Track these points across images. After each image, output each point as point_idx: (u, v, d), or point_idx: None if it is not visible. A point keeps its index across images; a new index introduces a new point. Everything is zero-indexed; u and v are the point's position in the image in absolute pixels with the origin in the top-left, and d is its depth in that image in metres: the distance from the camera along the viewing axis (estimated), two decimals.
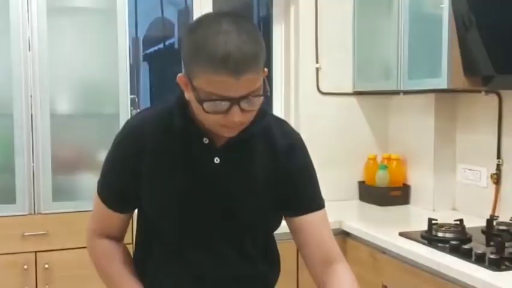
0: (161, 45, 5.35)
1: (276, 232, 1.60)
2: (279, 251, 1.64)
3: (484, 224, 2.55)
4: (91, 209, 1.58)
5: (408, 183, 3.34)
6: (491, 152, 2.83)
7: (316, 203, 1.52)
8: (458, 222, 2.53)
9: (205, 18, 1.31)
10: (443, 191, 3.12)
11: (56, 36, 2.86)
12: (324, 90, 3.43)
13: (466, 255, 2.19)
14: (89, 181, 2.72)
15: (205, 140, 1.42)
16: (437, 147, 3.10)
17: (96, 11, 3.01)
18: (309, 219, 1.50)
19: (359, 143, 3.48)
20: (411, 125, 3.30)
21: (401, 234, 2.55)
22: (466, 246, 2.24)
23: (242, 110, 1.28)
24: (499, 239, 2.25)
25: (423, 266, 2.29)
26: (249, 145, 1.46)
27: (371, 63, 3.35)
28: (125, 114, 2.91)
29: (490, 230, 2.50)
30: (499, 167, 2.81)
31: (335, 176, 3.38)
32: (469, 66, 2.59)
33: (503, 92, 2.77)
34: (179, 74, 1.34)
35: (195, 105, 1.32)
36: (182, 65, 1.32)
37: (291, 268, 2.74)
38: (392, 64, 3.04)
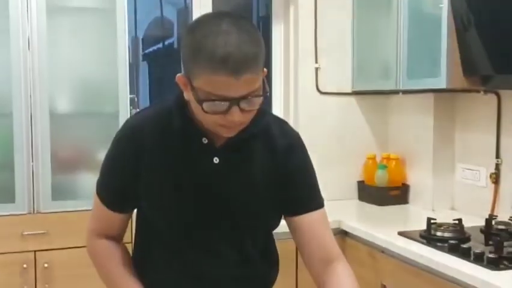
0: (160, 45, 5.35)
1: (275, 231, 1.60)
2: (278, 250, 1.64)
3: (482, 223, 2.55)
4: (91, 209, 1.58)
5: (408, 182, 3.34)
6: (490, 152, 2.84)
7: (315, 202, 1.53)
8: (457, 222, 2.54)
9: (204, 18, 1.31)
10: (442, 191, 3.12)
11: (55, 36, 2.86)
12: (323, 90, 3.43)
13: (465, 254, 2.19)
14: (89, 180, 2.72)
15: (204, 140, 1.42)
16: (436, 146, 3.10)
17: (95, 11, 3.01)
18: (308, 219, 1.50)
19: (358, 143, 3.48)
20: (410, 125, 3.30)
21: (400, 233, 2.55)
22: (464, 246, 2.24)
23: (241, 110, 1.28)
24: (498, 239, 2.25)
25: (422, 266, 2.29)
26: (249, 145, 1.46)
27: (370, 63, 3.35)
28: (124, 113, 2.92)
29: (489, 230, 2.50)
30: (498, 167, 2.81)
31: (334, 176, 3.38)
32: (468, 66, 2.59)
33: (502, 92, 2.77)
34: (178, 74, 1.34)
35: (194, 105, 1.33)
36: (182, 65, 1.32)
37: (290, 267, 2.75)
38: (391, 64, 3.04)
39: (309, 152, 1.55)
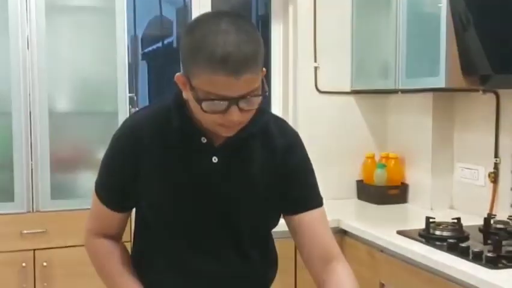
0: (159, 44, 5.35)
1: (274, 230, 1.60)
2: (277, 250, 1.64)
3: (481, 222, 2.55)
4: (90, 207, 1.58)
5: (406, 181, 3.34)
6: (488, 151, 2.84)
7: (315, 201, 1.53)
8: (455, 221, 2.54)
9: (203, 17, 1.31)
10: (441, 190, 3.12)
11: (54, 35, 2.86)
12: (322, 89, 3.43)
13: (463, 253, 2.19)
14: (88, 179, 2.73)
15: (203, 139, 1.43)
16: (435, 146, 3.10)
17: (95, 10, 3.01)
18: (307, 217, 1.51)
19: (357, 142, 3.48)
20: (409, 124, 3.30)
21: (399, 232, 2.56)
22: (463, 245, 2.24)
23: (241, 109, 1.28)
24: (496, 238, 2.25)
25: (421, 264, 2.29)
26: (248, 144, 1.46)
27: (369, 62, 3.36)
28: (123, 112, 2.92)
29: (488, 229, 2.50)
30: (496, 166, 2.81)
31: (333, 175, 3.39)
32: (467, 65, 2.59)
33: (500, 91, 2.77)
34: (177, 74, 1.34)
35: (193, 105, 1.33)
36: (181, 65, 1.32)
37: (289, 266, 2.75)
38: (390, 63, 3.04)
39: (308, 151, 1.56)
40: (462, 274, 2.07)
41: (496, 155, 2.81)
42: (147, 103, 4.32)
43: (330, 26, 3.41)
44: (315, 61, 3.41)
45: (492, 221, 2.55)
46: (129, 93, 2.99)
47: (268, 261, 1.61)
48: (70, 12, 2.96)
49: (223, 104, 1.26)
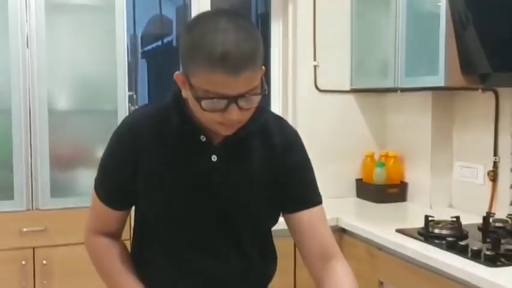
0: (159, 43, 5.36)
1: (273, 228, 1.60)
2: (277, 248, 1.64)
3: (480, 221, 2.56)
4: (89, 206, 1.58)
5: (406, 180, 3.35)
6: (488, 150, 2.85)
7: (314, 199, 1.53)
8: (454, 219, 2.54)
9: (203, 16, 1.31)
10: (440, 188, 3.13)
11: (54, 33, 2.86)
12: (321, 88, 3.44)
13: (462, 251, 2.20)
14: (88, 177, 2.73)
15: (203, 138, 1.43)
16: (434, 144, 3.11)
17: (94, 8, 3.01)
18: (307, 215, 1.51)
19: (357, 141, 3.49)
20: (408, 123, 3.31)
21: (398, 230, 2.56)
22: (462, 243, 2.25)
23: (240, 108, 1.28)
24: (495, 236, 2.26)
25: (420, 263, 2.30)
26: (247, 142, 1.46)
27: (368, 61, 3.36)
28: (123, 110, 2.92)
29: (486, 227, 2.51)
30: (495, 165, 2.82)
31: (333, 173, 3.39)
32: (466, 64, 2.60)
33: (500, 90, 2.78)
34: (176, 72, 1.34)
35: (192, 103, 1.33)
36: (180, 63, 1.32)
37: (288, 265, 2.76)
38: (389, 62, 3.05)
39: (308, 150, 1.56)
40: (461, 272, 2.07)
41: (495, 154, 2.82)
42: (147, 101, 4.33)
43: (329, 24, 3.42)
44: (315, 60, 3.42)
45: (491, 220, 2.55)
46: (129, 91, 2.99)
47: (268, 259, 1.61)
48: (70, 10, 2.95)
49: (223, 103, 1.26)
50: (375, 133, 3.53)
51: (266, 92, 1.34)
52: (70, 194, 2.92)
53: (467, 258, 2.15)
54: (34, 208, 2.84)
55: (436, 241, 2.37)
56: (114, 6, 2.90)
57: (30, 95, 2.81)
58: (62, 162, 2.94)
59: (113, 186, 1.51)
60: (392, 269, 2.50)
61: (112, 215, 1.54)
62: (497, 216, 2.62)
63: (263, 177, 1.48)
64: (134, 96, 3.31)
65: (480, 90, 2.81)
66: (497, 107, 2.80)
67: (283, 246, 1.70)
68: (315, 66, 3.42)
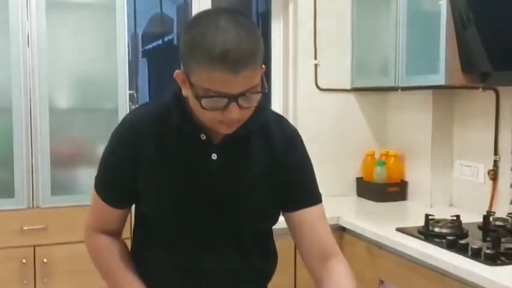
0: (160, 41, 5.36)
1: (274, 228, 1.60)
2: (277, 247, 1.64)
3: (480, 219, 2.56)
4: (89, 204, 1.59)
5: (406, 179, 3.35)
6: (488, 148, 2.85)
7: (314, 198, 1.53)
8: (454, 218, 2.54)
9: (203, 14, 1.31)
10: (440, 187, 3.13)
11: (55, 32, 2.87)
12: (322, 87, 3.44)
13: (462, 250, 2.20)
14: (88, 175, 2.72)
15: (203, 136, 1.43)
16: (435, 143, 3.11)
17: (95, 7, 3.01)
18: (306, 214, 1.51)
19: (357, 139, 3.49)
20: (409, 121, 3.31)
21: (398, 229, 2.56)
22: (462, 242, 2.25)
23: (240, 106, 1.28)
24: (495, 235, 2.26)
25: (420, 261, 2.30)
26: (247, 141, 1.46)
27: (369, 60, 3.36)
28: (123, 109, 2.92)
29: (487, 226, 2.51)
30: (496, 163, 2.82)
31: (333, 172, 3.39)
32: (467, 63, 2.60)
33: (500, 89, 2.78)
34: (176, 71, 1.34)
35: (192, 102, 1.33)
36: (180, 62, 1.32)
37: (288, 263, 2.76)
38: (390, 60, 3.04)
39: (308, 149, 1.56)
40: (461, 271, 2.07)
41: (496, 153, 2.81)
42: (147, 100, 4.34)
43: (330, 23, 3.42)
44: (315, 58, 3.42)
45: (491, 218, 2.56)
46: (129, 90, 2.99)
47: (268, 258, 1.61)
48: (71, 9, 2.96)
49: (223, 101, 1.26)
50: (375, 132, 3.53)
51: (266, 91, 1.34)
52: (70, 192, 2.93)
53: (467, 257, 2.15)
54: (35, 206, 2.85)
55: (436, 240, 2.38)
56: (115, 4, 2.90)
57: (31, 93, 2.81)
58: (63, 160, 2.95)
59: (113, 185, 1.51)
60: (392, 267, 2.50)
61: (112, 213, 1.54)
62: (498, 215, 2.62)
63: (263, 175, 1.48)
64: (135, 94, 3.31)
65: (481, 89, 2.81)
66: (497, 106, 2.80)
67: (283, 246, 1.70)
68: (315, 65, 3.42)
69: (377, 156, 3.44)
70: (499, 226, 2.48)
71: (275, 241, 1.64)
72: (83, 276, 2.52)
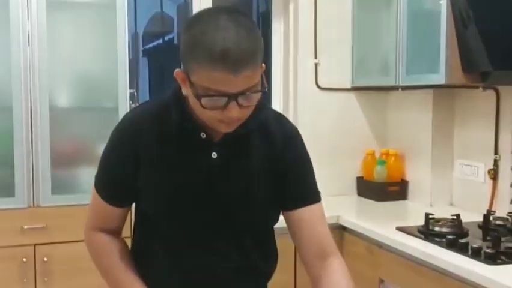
0: (160, 41, 5.36)
1: (274, 227, 1.60)
2: (278, 246, 1.64)
3: (481, 219, 2.56)
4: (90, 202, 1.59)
5: (406, 178, 3.35)
6: (488, 148, 2.85)
7: (313, 196, 1.53)
8: (454, 217, 2.54)
9: (203, 13, 1.31)
10: (440, 187, 3.13)
11: (55, 30, 2.87)
12: (322, 86, 3.44)
13: (462, 249, 2.20)
14: (88, 174, 2.72)
15: (203, 135, 1.43)
16: (435, 142, 3.11)
17: (96, 6, 3.01)
18: (305, 213, 1.51)
19: (357, 139, 3.49)
20: (409, 121, 3.31)
21: (398, 228, 2.56)
22: (462, 241, 2.25)
23: (240, 105, 1.28)
24: (495, 234, 2.26)
25: (420, 260, 2.30)
26: (247, 139, 1.46)
27: (369, 59, 3.36)
28: (124, 108, 2.92)
29: (487, 225, 2.51)
30: (496, 163, 2.82)
31: (334, 171, 3.39)
32: (467, 62, 2.60)
33: (501, 88, 2.78)
34: (176, 70, 1.33)
35: (192, 101, 1.33)
36: (181, 60, 1.32)
37: (288, 263, 2.76)
38: (390, 60, 3.04)
39: (308, 148, 1.56)
40: (461, 270, 2.07)
41: (496, 152, 2.81)
42: (148, 99, 4.33)
43: (330, 22, 3.41)
44: (316, 58, 3.42)
45: (491, 218, 2.56)
46: (130, 89, 2.99)
47: (268, 257, 1.61)
48: (71, 8, 2.96)
49: (222, 100, 1.26)
50: (376, 131, 3.53)
51: (266, 90, 1.34)
52: (70, 191, 2.93)
53: (467, 256, 2.15)
54: (35, 205, 2.85)
55: (436, 239, 2.37)
56: (115, 4, 2.90)
57: (31, 92, 2.82)
58: (63, 159, 2.95)
59: (113, 183, 1.51)
60: (393, 266, 2.50)
61: (112, 212, 1.54)
62: (498, 214, 2.62)
63: (263, 174, 1.48)
64: (135, 94, 3.31)
65: (481, 89, 2.81)
66: (498, 105, 2.80)
67: (283, 245, 1.69)
68: (316, 64, 3.42)
69: (377, 155, 3.44)
70: (499, 225, 2.48)
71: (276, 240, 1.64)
72: (84, 275, 2.52)
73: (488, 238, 2.32)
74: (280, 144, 1.49)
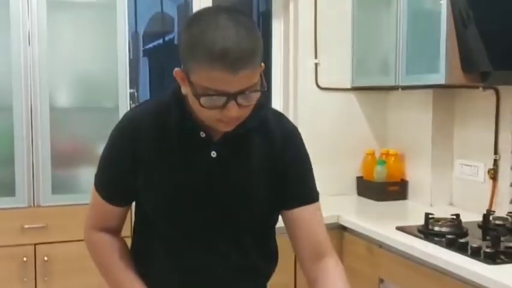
0: (160, 40, 5.36)
1: (275, 226, 1.61)
2: (278, 246, 1.64)
3: (480, 218, 2.56)
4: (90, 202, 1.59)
5: (406, 178, 3.35)
6: (488, 148, 2.85)
7: (311, 196, 1.53)
8: (454, 217, 2.54)
9: (203, 12, 1.31)
10: (440, 186, 3.13)
11: (56, 30, 2.87)
12: (322, 86, 3.44)
13: (462, 249, 2.20)
14: (89, 174, 2.71)
15: (202, 134, 1.43)
16: (435, 142, 3.11)
17: (96, 5, 3.02)
18: (303, 212, 1.51)
19: (357, 138, 3.49)
20: (409, 121, 3.31)
21: (398, 228, 2.56)
22: (462, 240, 2.25)
23: (239, 105, 1.28)
24: (495, 234, 2.26)
25: (420, 260, 2.30)
26: (246, 138, 1.46)
27: (369, 59, 3.36)
28: (124, 108, 2.92)
29: (486, 225, 2.52)
30: (496, 163, 2.82)
31: (334, 171, 3.39)
32: (467, 62, 2.60)
33: (500, 88, 2.78)
34: (176, 69, 1.34)
35: (191, 100, 1.33)
36: (180, 60, 1.32)
37: (288, 263, 2.75)
38: (390, 60, 3.05)
39: (308, 147, 1.56)
40: (460, 270, 2.08)
41: (496, 152, 2.82)
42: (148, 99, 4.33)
43: (330, 22, 3.42)
44: (316, 57, 3.42)
45: (491, 217, 2.56)
46: (130, 89, 3.00)
47: (268, 256, 1.61)
48: (71, 7, 2.96)
49: (222, 100, 1.26)
50: (375, 131, 3.53)
51: (265, 89, 1.34)
52: (71, 191, 2.93)
53: (467, 255, 2.15)
54: (35, 205, 2.85)
55: (436, 239, 2.38)
56: (116, 3, 2.91)
57: (31, 92, 2.82)
58: (63, 159, 2.95)
59: (113, 182, 1.51)
60: (392, 266, 2.50)
61: (111, 211, 1.54)
62: (497, 214, 2.62)
63: (263, 173, 1.48)
64: (136, 93, 3.32)
65: (481, 89, 2.81)
66: (497, 105, 2.80)
67: (283, 245, 1.69)
68: (316, 64, 3.42)
69: (377, 155, 3.45)
70: (499, 225, 2.49)
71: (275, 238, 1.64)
72: (84, 274, 2.52)
73: (488, 238, 2.32)
74: (280, 143, 1.49)
